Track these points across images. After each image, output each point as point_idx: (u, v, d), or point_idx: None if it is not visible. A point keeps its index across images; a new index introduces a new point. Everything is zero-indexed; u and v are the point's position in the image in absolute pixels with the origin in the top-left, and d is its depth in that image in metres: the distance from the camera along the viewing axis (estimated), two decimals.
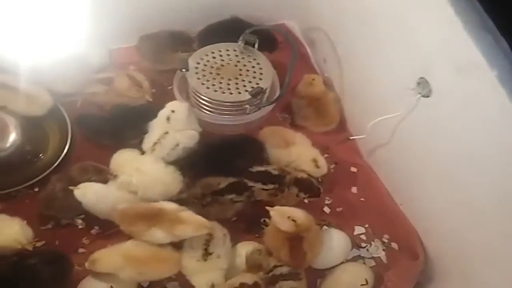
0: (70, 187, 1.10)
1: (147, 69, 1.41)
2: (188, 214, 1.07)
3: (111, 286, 1.06)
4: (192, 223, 1.06)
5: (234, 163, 1.19)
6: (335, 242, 1.16)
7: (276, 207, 1.10)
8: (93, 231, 1.18)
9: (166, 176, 1.17)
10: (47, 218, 1.17)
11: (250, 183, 1.16)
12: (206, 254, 1.08)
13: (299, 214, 1.09)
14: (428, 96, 1.02)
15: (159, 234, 1.06)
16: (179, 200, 1.14)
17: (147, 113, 1.25)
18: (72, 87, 1.34)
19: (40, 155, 1.29)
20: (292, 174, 1.19)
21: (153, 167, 1.17)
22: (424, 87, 1.02)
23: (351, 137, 1.36)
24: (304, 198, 1.20)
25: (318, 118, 1.37)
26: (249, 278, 1.05)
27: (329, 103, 1.38)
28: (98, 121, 1.30)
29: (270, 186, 1.16)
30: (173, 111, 1.20)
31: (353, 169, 1.34)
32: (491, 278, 1.00)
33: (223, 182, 1.14)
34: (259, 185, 1.16)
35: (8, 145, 1.24)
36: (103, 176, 1.17)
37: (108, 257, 1.05)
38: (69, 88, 1.34)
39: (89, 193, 1.11)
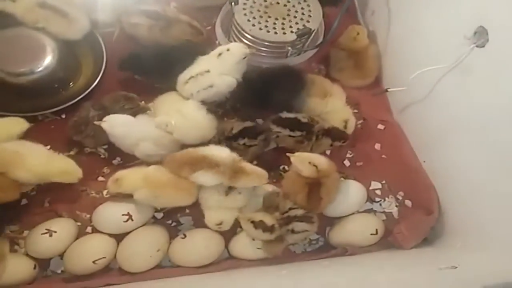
0: (96, 122, 1.12)
1: (188, 6, 1.39)
2: (249, 166, 1.09)
3: (128, 212, 1.10)
4: (254, 174, 1.09)
5: (275, 95, 1.20)
6: (351, 192, 1.18)
7: (298, 153, 1.11)
8: (114, 162, 1.22)
9: (204, 122, 1.18)
10: (71, 145, 1.21)
11: (277, 129, 1.17)
12: (230, 189, 1.11)
13: (321, 160, 1.11)
14: (482, 47, 1.00)
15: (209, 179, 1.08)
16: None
17: (188, 52, 1.24)
18: (112, 16, 1.34)
19: (71, 83, 1.30)
20: (321, 123, 1.19)
21: (195, 113, 1.18)
22: (480, 37, 0.99)
23: (390, 89, 1.35)
24: (331, 145, 1.20)
25: (356, 71, 1.37)
26: (268, 219, 1.09)
27: (369, 57, 1.37)
28: (140, 56, 1.26)
29: (298, 133, 1.17)
30: (228, 50, 1.20)
31: (380, 126, 1.34)
32: (504, 237, 1.00)
33: (236, 126, 1.15)
34: (286, 132, 1.17)
35: (41, 68, 1.23)
36: (135, 104, 1.19)
37: (130, 177, 1.09)
38: (108, 17, 1.34)
39: (116, 125, 1.13)
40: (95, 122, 1.12)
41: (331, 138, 1.18)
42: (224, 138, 1.14)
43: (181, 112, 1.17)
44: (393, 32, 1.36)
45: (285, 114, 1.19)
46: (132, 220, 1.11)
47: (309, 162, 1.09)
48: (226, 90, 1.23)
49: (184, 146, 1.19)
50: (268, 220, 1.09)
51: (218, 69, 1.20)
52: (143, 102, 1.24)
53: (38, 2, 1.25)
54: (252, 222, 1.09)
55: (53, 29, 1.26)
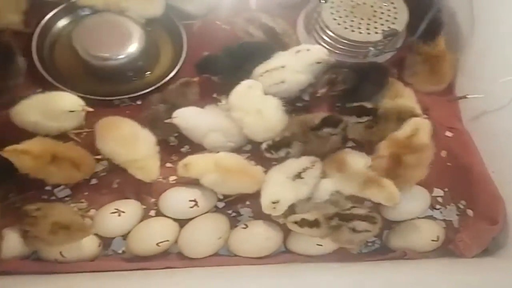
0: (167, 121, 1.17)
1: (270, 3, 1.43)
2: (388, 182, 1.10)
3: (194, 198, 1.14)
4: (386, 191, 1.09)
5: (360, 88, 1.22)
6: (414, 197, 1.17)
7: None
8: (183, 150, 1.26)
9: (278, 123, 1.19)
10: None
11: (345, 117, 1.18)
12: (297, 176, 1.12)
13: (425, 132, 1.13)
14: None
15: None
16: (283, 138, 1.17)
17: (264, 50, 1.27)
18: (199, 9, 1.39)
19: (148, 71, 1.36)
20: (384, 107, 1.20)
21: (273, 113, 1.19)
22: None
23: (469, 96, 1.33)
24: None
25: (430, 77, 1.36)
26: (308, 215, 1.09)
27: (446, 62, 1.36)
28: (215, 59, 1.29)
29: (365, 119, 1.18)
30: (308, 50, 1.24)
31: (448, 134, 1.32)
32: None
33: (317, 117, 1.16)
34: (353, 119, 1.19)
35: (125, 55, 1.30)
36: (196, 87, 1.22)
37: (199, 162, 1.12)
38: (195, 9, 1.40)
39: (186, 118, 1.17)
40: (166, 121, 1.16)
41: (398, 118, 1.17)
42: (310, 129, 1.15)
43: (260, 112, 1.18)
44: (473, 39, 1.35)
45: (349, 104, 1.21)
46: (197, 206, 1.14)
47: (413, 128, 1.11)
48: (296, 88, 1.25)
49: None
50: (309, 216, 1.09)
51: (293, 66, 1.22)
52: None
53: None
54: (295, 222, 1.09)
55: (136, 7, 1.32)
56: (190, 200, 1.14)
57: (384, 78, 1.25)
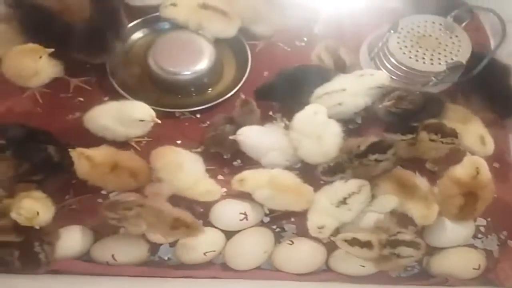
0: (232, 137, 1.21)
1: (333, 29, 1.47)
2: (435, 206, 1.14)
3: (245, 211, 1.18)
4: (427, 211, 1.14)
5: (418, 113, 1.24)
6: (460, 224, 1.19)
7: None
8: (235, 163, 1.30)
9: (334, 145, 1.21)
10: (200, 143, 1.31)
11: (390, 136, 1.22)
12: (342, 202, 1.15)
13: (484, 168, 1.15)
14: None
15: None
16: (336, 164, 1.19)
17: (321, 73, 1.32)
18: (267, 30, 1.45)
19: (210, 88, 1.42)
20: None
21: (330, 136, 1.21)
22: None
23: None
24: (439, 141, 1.19)
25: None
26: (361, 236, 1.11)
27: None
28: (274, 85, 1.32)
29: (409, 136, 1.21)
30: (371, 74, 1.28)
31: (496, 165, 1.33)
32: None
33: (363, 143, 1.18)
34: (398, 136, 1.22)
35: (193, 71, 1.37)
36: (251, 107, 1.25)
37: (255, 176, 1.16)
38: (263, 30, 1.45)
39: (250, 136, 1.22)
40: (231, 137, 1.21)
41: (441, 133, 1.18)
42: (354, 156, 1.17)
43: (321, 137, 1.20)
44: None
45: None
46: (246, 219, 1.18)
47: (476, 166, 1.13)
48: (353, 111, 1.29)
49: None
50: (362, 236, 1.11)
51: (353, 89, 1.26)
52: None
53: (199, 4, 1.38)
54: (346, 240, 1.11)
55: (213, 28, 1.39)
56: (241, 213, 1.17)
57: (441, 109, 1.28)
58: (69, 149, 1.13)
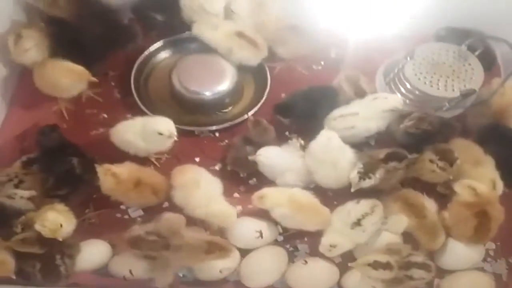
0: (251, 158, 1.25)
1: (351, 55, 1.54)
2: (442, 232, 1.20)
3: (260, 229, 1.21)
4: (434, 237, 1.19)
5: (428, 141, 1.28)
6: (470, 248, 1.21)
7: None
8: (251, 182, 1.34)
9: (348, 171, 1.23)
10: (217, 161, 1.35)
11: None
12: (356, 224, 1.17)
13: (479, 185, 1.19)
14: None
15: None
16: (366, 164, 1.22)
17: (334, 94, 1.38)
18: (289, 53, 1.51)
19: (229, 108, 1.47)
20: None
21: (345, 164, 1.24)
22: None
23: None
24: (435, 163, 1.23)
25: None
26: (382, 257, 1.13)
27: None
28: (290, 106, 1.37)
29: (414, 155, 1.25)
30: (385, 98, 1.33)
31: (506, 190, 1.33)
32: None
33: (382, 152, 1.23)
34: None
35: (215, 92, 1.42)
36: (264, 126, 1.30)
37: (275, 195, 1.19)
38: (285, 53, 1.51)
39: (270, 157, 1.26)
40: (250, 158, 1.25)
41: (440, 156, 1.22)
42: (377, 162, 1.21)
43: (336, 164, 1.24)
44: None
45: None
46: (261, 237, 1.21)
47: (468, 186, 1.18)
48: (364, 134, 1.33)
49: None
50: (381, 257, 1.12)
51: (366, 113, 1.31)
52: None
53: (236, 32, 1.44)
54: (369, 265, 1.11)
55: (241, 55, 1.44)
56: (256, 231, 1.20)
57: (453, 134, 1.32)
58: (96, 165, 1.16)
